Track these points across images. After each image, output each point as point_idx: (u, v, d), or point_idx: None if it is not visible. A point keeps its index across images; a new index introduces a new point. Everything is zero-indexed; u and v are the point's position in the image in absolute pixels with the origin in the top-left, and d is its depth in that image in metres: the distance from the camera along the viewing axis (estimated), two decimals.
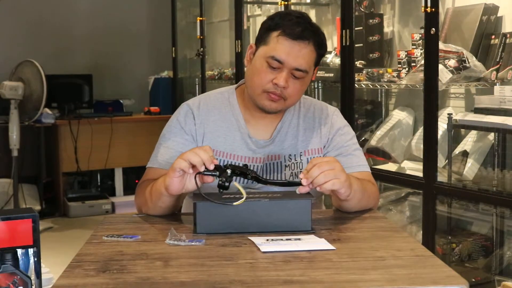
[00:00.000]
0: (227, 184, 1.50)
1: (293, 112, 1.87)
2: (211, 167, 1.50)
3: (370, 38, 3.50)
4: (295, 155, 1.83)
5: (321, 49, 1.78)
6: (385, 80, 3.27)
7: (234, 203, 1.47)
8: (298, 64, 1.72)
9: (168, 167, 1.67)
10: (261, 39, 1.77)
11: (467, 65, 2.79)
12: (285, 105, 1.78)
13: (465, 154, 2.89)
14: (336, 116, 1.91)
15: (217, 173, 1.50)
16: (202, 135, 1.82)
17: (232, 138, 1.81)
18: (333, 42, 4.04)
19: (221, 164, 1.62)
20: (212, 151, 1.53)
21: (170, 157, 1.75)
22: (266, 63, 1.73)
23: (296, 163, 1.83)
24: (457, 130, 2.99)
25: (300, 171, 1.81)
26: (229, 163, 1.74)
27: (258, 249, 1.36)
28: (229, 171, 1.51)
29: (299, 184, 1.52)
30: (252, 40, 4.85)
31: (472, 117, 2.76)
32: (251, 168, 1.60)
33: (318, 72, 3.64)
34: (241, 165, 1.63)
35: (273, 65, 1.72)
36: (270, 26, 1.75)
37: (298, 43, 1.72)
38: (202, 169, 1.50)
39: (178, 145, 1.79)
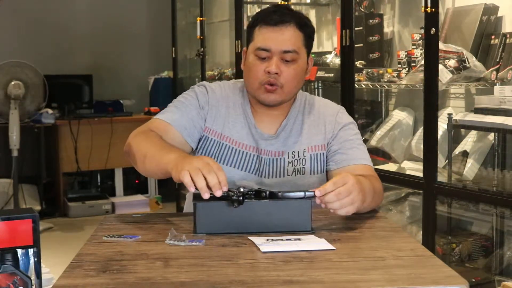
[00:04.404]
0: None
1: (298, 109, 1.89)
2: (218, 194, 1.43)
3: (370, 38, 3.50)
4: (298, 151, 1.85)
5: (304, 28, 1.81)
6: (385, 80, 3.27)
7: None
8: (284, 47, 1.77)
9: (177, 126, 1.77)
10: (248, 38, 1.84)
11: (467, 65, 2.79)
12: (284, 94, 1.80)
13: (465, 154, 2.89)
14: (342, 113, 1.92)
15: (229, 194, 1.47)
16: (212, 117, 1.85)
17: (240, 126, 1.85)
18: (333, 42, 4.04)
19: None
20: (224, 174, 1.47)
21: (181, 119, 1.81)
22: (256, 57, 1.79)
23: (299, 159, 1.84)
24: (457, 130, 2.98)
25: (303, 167, 1.83)
26: (241, 189, 1.57)
27: (258, 249, 1.36)
28: (241, 198, 1.48)
29: (314, 196, 1.50)
30: None
31: (472, 117, 2.75)
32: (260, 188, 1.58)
33: (318, 72, 3.64)
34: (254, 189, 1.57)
35: (262, 55, 1.78)
36: (252, 23, 1.83)
37: (279, 28, 1.77)
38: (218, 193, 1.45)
39: (191, 113, 1.83)
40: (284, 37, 1.76)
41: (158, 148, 1.66)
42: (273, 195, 1.53)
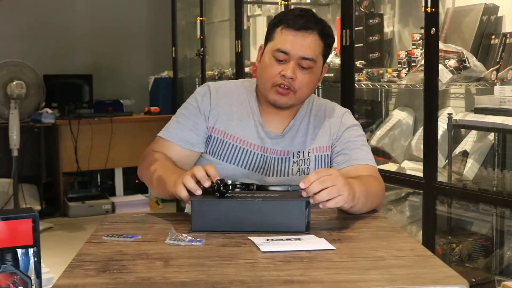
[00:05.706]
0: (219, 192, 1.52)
1: (306, 110, 1.90)
2: (206, 184, 1.51)
3: (370, 38, 3.51)
4: (303, 151, 1.85)
5: (326, 38, 1.81)
6: (385, 80, 3.27)
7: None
8: (303, 53, 1.76)
9: (177, 141, 1.81)
10: (268, 37, 1.83)
11: (467, 65, 2.79)
12: (296, 98, 1.81)
13: (465, 154, 2.89)
14: (347, 115, 1.93)
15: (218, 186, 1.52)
16: (216, 116, 1.86)
17: (246, 124, 1.86)
18: None
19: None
20: (216, 170, 1.55)
21: (181, 132, 1.84)
22: (273, 57, 1.78)
23: (304, 159, 1.85)
24: (457, 130, 2.99)
25: (308, 168, 1.84)
26: (234, 181, 1.63)
27: (258, 249, 1.36)
28: (224, 190, 1.52)
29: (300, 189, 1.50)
30: (252, 40, 4.87)
31: (472, 117, 2.76)
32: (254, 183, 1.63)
33: None
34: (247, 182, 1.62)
35: (280, 57, 1.77)
36: (274, 23, 1.82)
37: (301, 33, 1.76)
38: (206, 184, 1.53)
39: (190, 123, 1.86)
40: (305, 44, 1.75)
41: (162, 172, 1.72)
42: (260, 187, 1.58)
